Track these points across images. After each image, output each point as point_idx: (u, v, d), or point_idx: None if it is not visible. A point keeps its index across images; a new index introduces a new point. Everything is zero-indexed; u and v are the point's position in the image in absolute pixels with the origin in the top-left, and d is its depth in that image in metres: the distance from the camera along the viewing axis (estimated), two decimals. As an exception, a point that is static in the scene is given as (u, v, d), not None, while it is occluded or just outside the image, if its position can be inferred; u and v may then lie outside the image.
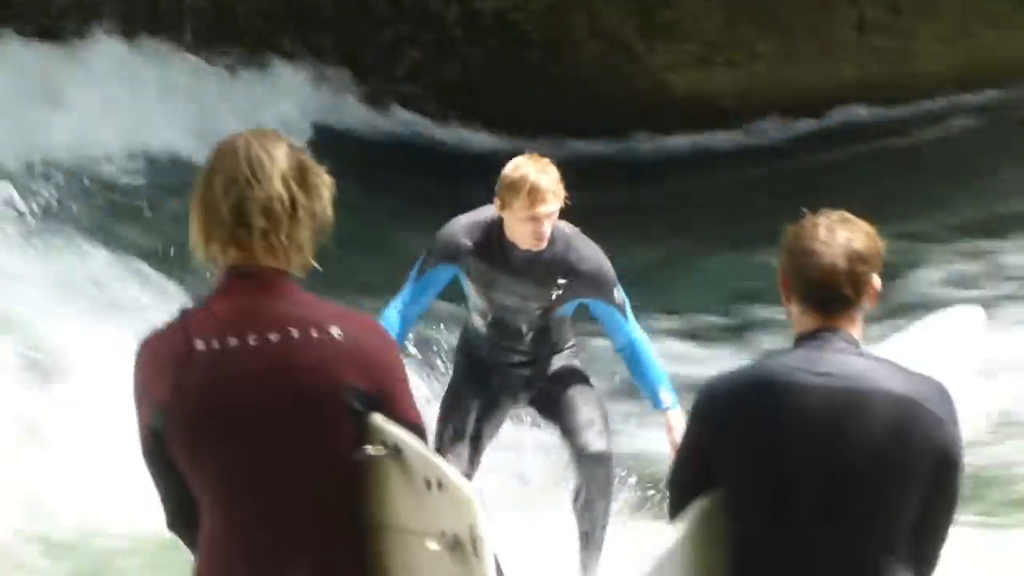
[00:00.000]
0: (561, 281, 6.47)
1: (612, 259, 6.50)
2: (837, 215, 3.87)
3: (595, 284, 6.48)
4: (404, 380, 3.54)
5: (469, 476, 6.64)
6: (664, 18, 17.88)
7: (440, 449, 6.62)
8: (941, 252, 13.06)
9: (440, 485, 3.43)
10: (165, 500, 3.58)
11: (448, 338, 9.04)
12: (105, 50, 15.73)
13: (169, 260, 10.88)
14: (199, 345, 3.43)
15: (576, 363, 6.83)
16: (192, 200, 3.48)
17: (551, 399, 6.75)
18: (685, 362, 7.04)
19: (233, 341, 3.43)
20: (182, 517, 3.56)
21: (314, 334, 3.43)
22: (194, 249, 3.49)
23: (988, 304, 10.77)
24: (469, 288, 6.67)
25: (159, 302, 10.31)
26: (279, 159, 3.46)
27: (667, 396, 6.49)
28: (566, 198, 6.32)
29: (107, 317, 9.97)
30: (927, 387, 3.76)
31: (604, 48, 17.86)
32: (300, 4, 17.51)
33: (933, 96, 17.72)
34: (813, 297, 3.80)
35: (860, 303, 3.82)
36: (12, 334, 9.37)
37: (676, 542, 3.76)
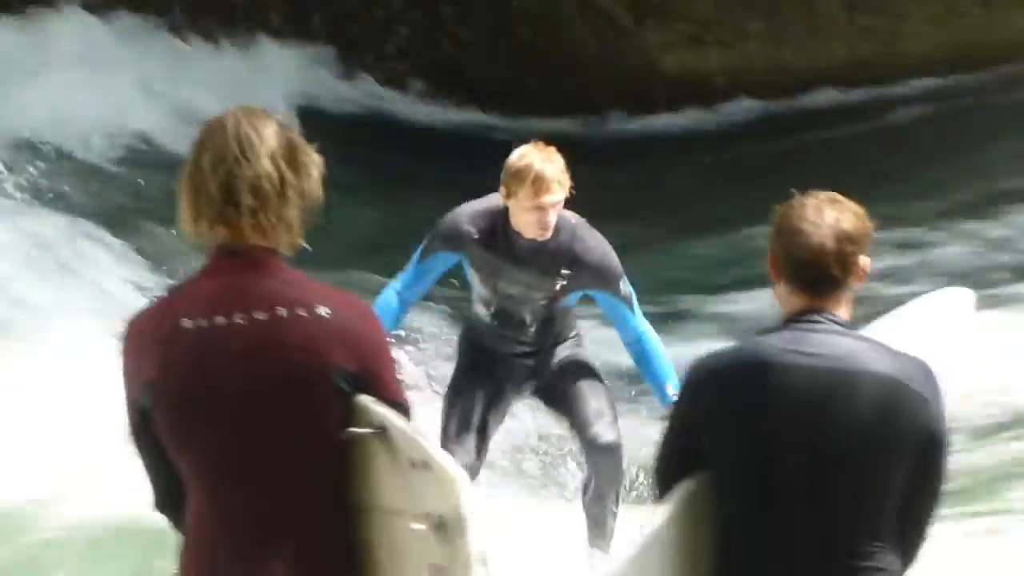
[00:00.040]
0: (565, 272, 6.44)
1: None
2: (826, 195, 3.87)
3: (600, 275, 6.45)
4: (390, 360, 3.54)
5: (477, 467, 6.66)
6: (656, -3, 17.88)
7: (447, 441, 6.63)
8: (930, 232, 13.07)
9: (425, 465, 3.43)
10: (152, 480, 3.57)
11: (444, 326, 9.02)
12: (83, 23, 15.61)
13: (141, 236, 10.84)
14: (186, 323, 3.43)
15: (580, 352, 6.81)
16: (181, 177, 3.48)
17: (558, 392, 6.74)
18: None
19: (220, 319, 3.43)
20: (169, 497, 3.56)
21: (302, 313, 3.43)
22: (183, 226, 3.49)
23: (978, 285, 10.80)
24: (473, 277, 6.64)
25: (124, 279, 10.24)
26: (268, 137, 3.45)
27: (675, 393, 6.47)
28: (571, 187, 6.30)
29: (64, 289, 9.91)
30: (913, 368, 3.76)
31: (595, 27, 17.84)
32: (288, -20, 17.47)
33: (923, 76, 17.72)
34: (801, 277, 3.80)
35: (848, 284, 3.82)
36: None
37: (662, 524, 3.76)
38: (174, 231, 3.53)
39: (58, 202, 11.81)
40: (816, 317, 3.78)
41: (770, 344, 3.78)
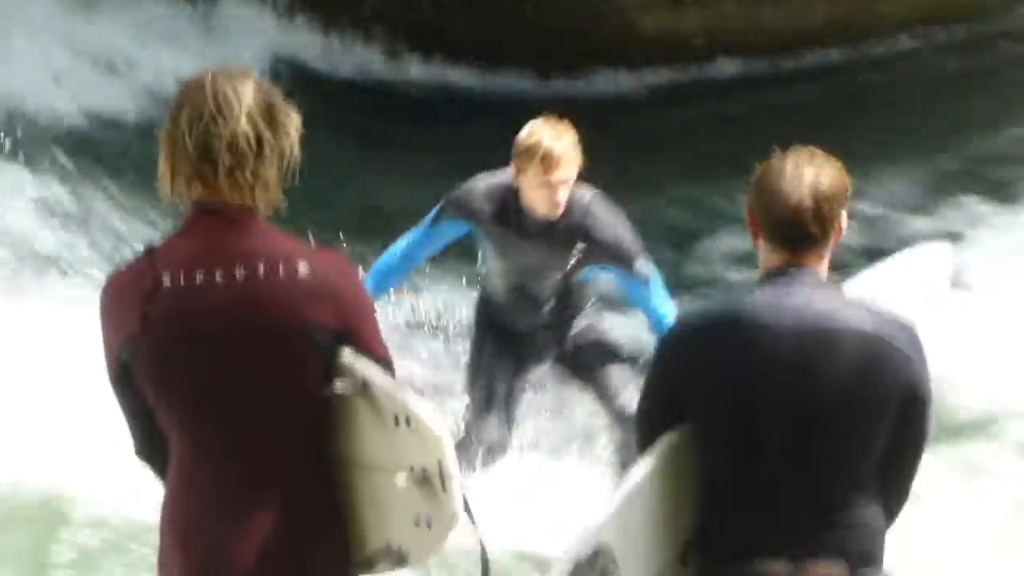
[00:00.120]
0: (578, 248, 6.42)
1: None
2: (806, 152, 3.86)
3: (613, 252, 6.38)
4: (371, 316, 3.55)
5: (507, 441, 6.69)
6: (633, -43, 17.81)
7: (476, 421, 6.66)
8: (908, 189, 13.08)
9: (408, 421, 3.44)
10: (132, 429, 3.60)
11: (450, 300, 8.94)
12: None
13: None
14: (166, 280, 3.44)
15: (598, 322, 6.81)
16: (160, 134, 3.49)
17: (581, 364, 6.74)
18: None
19: (200, 277, 3.44)
20: (149, 447, 3.59)
21: (281, 270, 3.44)
22: (161, 184, 3.49)
23: (957, 240, 10.82)
24: (487, 252, 6.63)
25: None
26: (246, 96, 3.46)
27: None
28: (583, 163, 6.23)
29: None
30: (895, 325, 3.77)
31: (574, -13, 17.77)
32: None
33: (900, 35, 17.72)
34: (780, 234, 3.80)
35: (827, 241, 3.82)
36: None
37: (644, 476, 3.77)
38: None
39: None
40: (795, 273, 3.78)
41: (750, 301, 3.78)
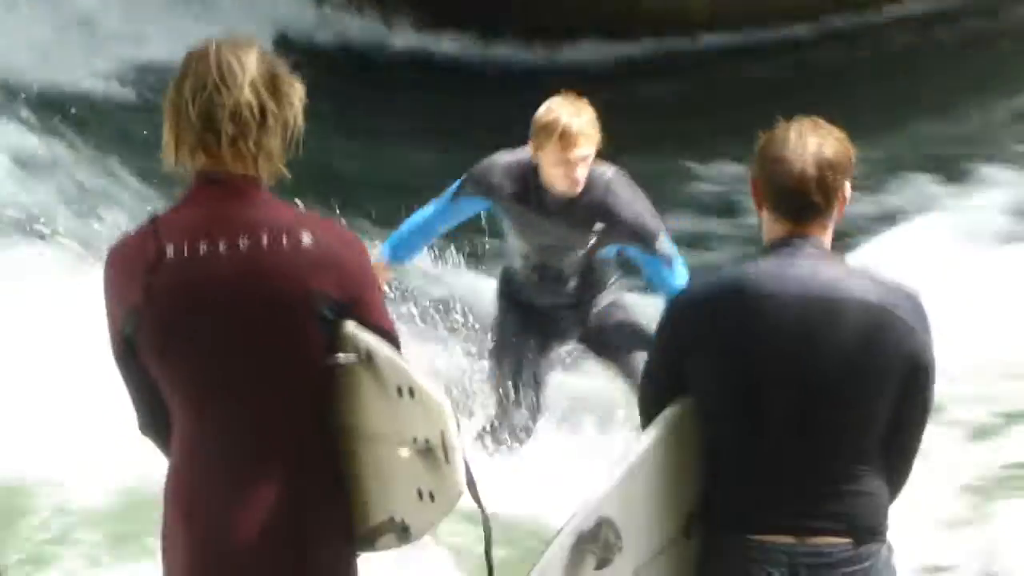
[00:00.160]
0: (598, 226, 6.40)
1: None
2: (809, 121, 3.85)
3: (632, 231, 6.37)
4: (375, 286, 3.55)
5: (535, 420, 6.73)
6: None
7: (504, 401, 6.68)
8: (908, 161, 13.07)
9: (412, 392, 3.44)
10: (136, 404, 3.59)
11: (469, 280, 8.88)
12: None
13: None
14: (170, 251, 3.44)
15: (621, 299, 6.80)
16: (164, 103, 3.48)
17: (606, 343, 6.75)
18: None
19: (204, 247, 3.44)
20: (153, 421, 3.58)
21: (284, 241, 3.43)
22: (164, 154, 3.48)
23: (952, 216, 10.82)
24: (509, 230, 6.62)
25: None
26: (249, 65, 3.45)
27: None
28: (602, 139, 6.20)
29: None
30: (899, 295, 3.76)
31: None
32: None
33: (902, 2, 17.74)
34: (783, 204, 3.79)
35: (830, 211, 3.81)
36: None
37: (648, 446, 3.77)
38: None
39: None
40: (799, 243, 3.77)
41: (755, 271, 3.77)
